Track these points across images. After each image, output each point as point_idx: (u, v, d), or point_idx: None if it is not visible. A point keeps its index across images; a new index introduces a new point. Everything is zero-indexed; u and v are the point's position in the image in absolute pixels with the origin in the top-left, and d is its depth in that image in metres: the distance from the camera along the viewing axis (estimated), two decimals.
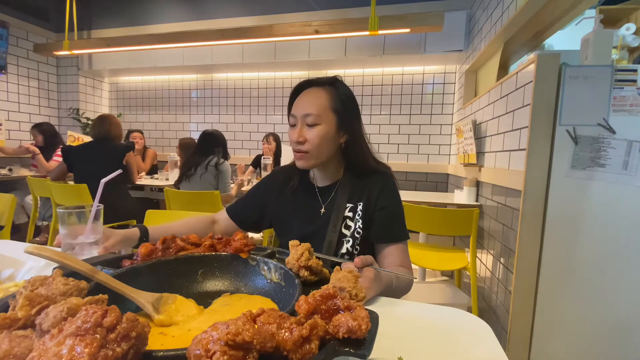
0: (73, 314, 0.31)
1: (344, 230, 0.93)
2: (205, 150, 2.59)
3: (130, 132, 3.77)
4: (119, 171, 0.85)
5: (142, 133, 3.88)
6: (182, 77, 4.39)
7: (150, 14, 4.05)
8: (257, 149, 4.13)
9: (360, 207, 0.94)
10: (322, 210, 0.97)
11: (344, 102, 0.92)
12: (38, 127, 3.42)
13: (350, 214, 0.94)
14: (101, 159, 2.44)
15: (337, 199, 0.95)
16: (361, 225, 0.92)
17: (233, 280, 0.59)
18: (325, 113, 0.90)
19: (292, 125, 0.93)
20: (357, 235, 0.92)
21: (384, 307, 0.65)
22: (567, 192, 1.40)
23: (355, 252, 0.92)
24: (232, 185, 2.68)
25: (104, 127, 2.51)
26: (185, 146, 3.32)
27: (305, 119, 0.89)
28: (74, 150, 2.53)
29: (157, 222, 1.37)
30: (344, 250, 0.92)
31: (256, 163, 3.50)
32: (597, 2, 1.74)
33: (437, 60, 3.36)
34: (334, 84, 0.94)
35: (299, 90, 0.95)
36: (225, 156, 2.69)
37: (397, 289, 0.81)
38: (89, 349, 0.26)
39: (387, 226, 0.93)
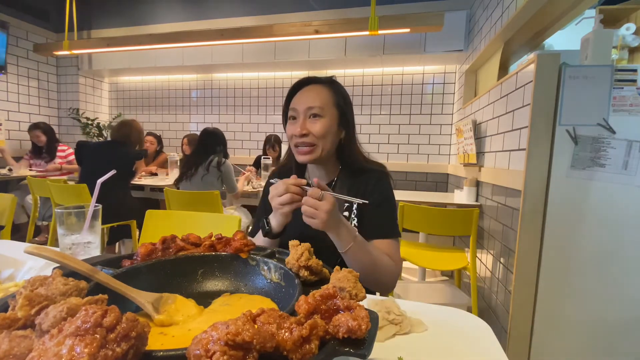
0: (73, 314, 0.31)
1: None
2: (206, 150, 2.57)
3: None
4: (113, 171, 0.85)
5: (155, 136, 3.78)
6: (182, 77, 4.39)
7: (150, 14, 4.05)
8: (257, 149, 4.13)
9: (355, 205, 0.94)
10: None
11: (344, 99, 0.95)
12: (39, 128, 3.42)
13: (347, 213, 0.95)
14: (111, 161, 2.42)
15: None
16: (357, 224, 0.93)
17: (233, 280, 0.59)
18: (328, 107, 0.91)
19: (293, 118, 0.92)
20: None
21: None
22: (567, 192, 1.40)
23: None
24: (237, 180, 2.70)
25: (123, 131, 2.52)
26: (194, 141, 3.33)
27: (309, 112, 0.90)
28: (87, 146, 2.54)
29: (157, 222, 1.37)
30: None
31: (256, 163, 3.50)
32: (597, 2, 1.74)
33: (437, 60, 3.36)
34: (332, 83, 0.96)
35: (297, 87, 0.96)
36: (226, 155, 2.68)
37: (368, 258, 0.82)
38: (89, 349, 0.26)
39: (376, 222, 0.93)
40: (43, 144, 3.47)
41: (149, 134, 3.78)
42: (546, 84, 1.39)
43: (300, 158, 0.93)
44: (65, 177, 3.23)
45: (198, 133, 3.63)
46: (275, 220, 0.84)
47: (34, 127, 3.43)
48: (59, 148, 3.54)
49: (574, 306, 1.43)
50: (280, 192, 0.79)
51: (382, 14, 2.54)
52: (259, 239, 0.89)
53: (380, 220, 0.93)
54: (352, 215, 0.94)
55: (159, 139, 3.84)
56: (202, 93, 4.35)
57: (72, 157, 3.52)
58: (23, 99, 4.10)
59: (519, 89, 1.58)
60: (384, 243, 0.91)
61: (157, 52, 3.91)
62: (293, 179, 0.80)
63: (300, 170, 1.03)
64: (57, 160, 3.50)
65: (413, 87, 3.62)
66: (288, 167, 1.04)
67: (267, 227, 0.85)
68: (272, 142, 3.40)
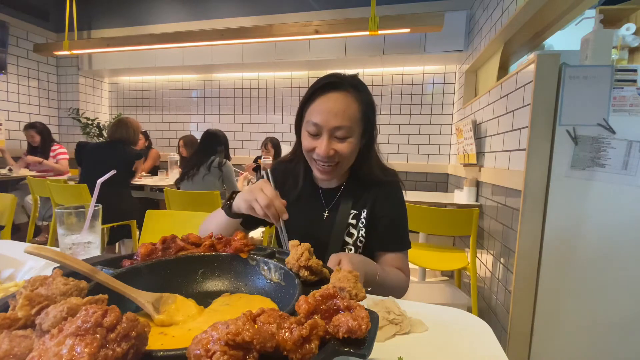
0: (73, 314, 0.31)
1: (346, 238, 0.90)
2: (207, 150, 2.59)
3: None
4: (113, 171, 0.85)
5: (144, 134, 3.84)
6: (182, 77, 4.39)
7: (150, 14, 4.05)
8: (257, 149, 4.13)
9: (364, 215, 0.91)
10: (326, 214, 0.94)
11: (371, 108, 0.87)
12: (34, 128, 3.42)
13: (354, 221, 0.91)
14: (111, 161, 2.43)
15: (340, 204, 0.92)
16: (364, 234, 0.90)
17: (233, 280, 0.59)
18: (355, 124, 0.83)
19: (314, 135, 0.84)
20: (359, 244, 0.90)
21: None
22: (567, 192, 1.40)
23: None
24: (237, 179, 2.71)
25: (124, 131, 2.52)
26: (190, 143, 3.34)
27: (335, 132, 0.82)
28: (87, 146, 2.55)
29: (157, 222, 1.37)
30: None
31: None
32: (597, 2, 1.74)
33: (437, 60, 3.36)
34: (359, 90, 0.85)
35: (320, 91, 0.84)
36: (227, 156, 2.69)
37: (386, 285, 0.79)
38: (89, 348, 0.26)
39: (389, 235, 0.91)
40: (37, 144, 3.46)
41: None
42: (546, 84, 1.39)
43: (321, 177, 0.88)
44: (65, 177, 3.23)
45: (196, 134, 3.65)
46: (238, 204, 0.78)
47: (29, 126, 3.42)
48: (51, 148, 3.54)
49: (574, 306, 1.42)
50: (265, 200, 0.71)
51: (382, 14, 2.54)
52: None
53: (392, 235, 0.91)
54: (360, 225, 0.91)
55: (146, 135, 3.88)
56: (202, 93, 4.35)
57: (62, 156, 3.52)
58: (23, 99, 4.10)
59: (519, 89, 1.58)
60: (395, 257, 0.90)
61: (157, 52, 3.91)
62: (281, 203, 0.73)
63: (307, 170, 0.97)
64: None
65: (413, 87, 3.62)
66: (294, 166, 0.98)
67: (228, 202, 0.80)
68: (265, 142, 3.40)
